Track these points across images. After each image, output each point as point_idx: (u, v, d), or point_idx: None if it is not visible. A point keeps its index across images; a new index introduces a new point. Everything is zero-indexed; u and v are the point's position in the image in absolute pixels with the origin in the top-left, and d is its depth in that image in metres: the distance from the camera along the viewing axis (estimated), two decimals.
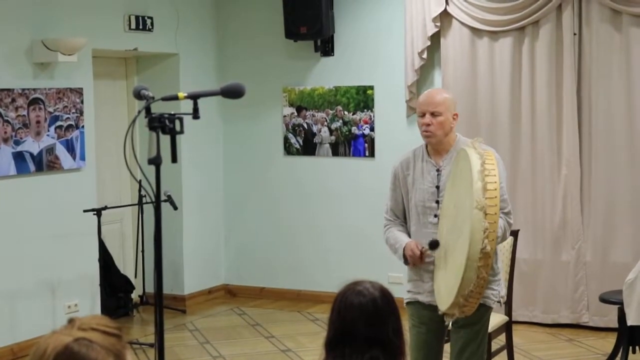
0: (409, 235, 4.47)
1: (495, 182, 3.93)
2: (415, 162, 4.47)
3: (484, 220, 3.86)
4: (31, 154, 6.78)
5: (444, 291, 4.15)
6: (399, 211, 4.53)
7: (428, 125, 4.35)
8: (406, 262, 4.43)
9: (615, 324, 6.24)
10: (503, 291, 4.50)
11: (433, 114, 4.35)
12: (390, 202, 4.55)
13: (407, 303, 4.52)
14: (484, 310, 4.36)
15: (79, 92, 7.13)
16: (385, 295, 2.72)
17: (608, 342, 6.57)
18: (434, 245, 4.23)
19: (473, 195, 3.89)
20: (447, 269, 4.16)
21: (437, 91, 4.65)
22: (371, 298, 2.69)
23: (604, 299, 6.17)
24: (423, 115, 4.38)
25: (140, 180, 7.06)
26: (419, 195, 4.42)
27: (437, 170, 4.41)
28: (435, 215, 4.37)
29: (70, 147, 7.06)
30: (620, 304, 5.76)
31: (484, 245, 3.86)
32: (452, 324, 4.39)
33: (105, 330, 1.82)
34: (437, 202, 4.37)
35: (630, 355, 5.89)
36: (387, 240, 4.53)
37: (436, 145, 4.42)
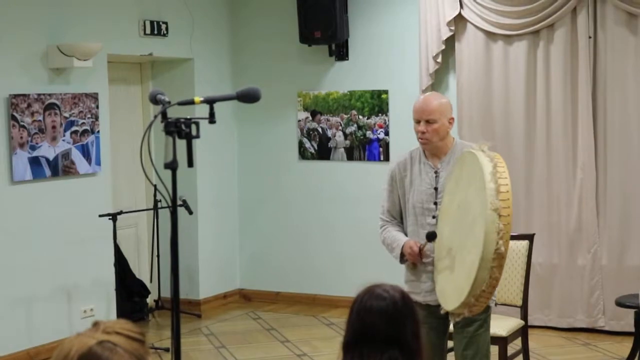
0: (406, 235, 4.55)
1: (508, 185, 3.99)
2: (413, 163, 4.57)
3: (498, 221, 3.92)
4: (47, 159, 6.80)
5: (452, 291, 4.20)
6: (396, 212, 4.63)
7: (423, 132, 4.44)
8: (402, 260, 4.54)
9: (631, 328, 6.22)
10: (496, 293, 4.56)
11: (428, 122, 4.44)
12: (387, 204, 4.65)
13: None
14: (484, 310, 4.41)
15: (94, 97, 7.16)
16: (404, 298, 2.73)
17: (624, 347, 6.54)
18: (432, 236, 4.30)
19: (486, 196, 3.93)
20: (455, 269, 4.20)
21: (432, 97, 4.58)
22: (392, 301, 2.69)
23: (620, 303, 6.15)
24: (419, 121, 4.46)
25: (155, 185, 7.07)
26: (416, 197, 4.51)
27: (435, 172, 4.49)
28: (434, 217, 4.45)
29: (85, 152, 7.09)
30: (636, 307, 5.74)
31: (498, 246, 3.92)
32: (453, 326, 4.48)
33: (129, 334, 1.83)
34: (435, 203, 4.46)
35: None
36: (384, 240, 4.63)
37: (432, 150, 4.52)
